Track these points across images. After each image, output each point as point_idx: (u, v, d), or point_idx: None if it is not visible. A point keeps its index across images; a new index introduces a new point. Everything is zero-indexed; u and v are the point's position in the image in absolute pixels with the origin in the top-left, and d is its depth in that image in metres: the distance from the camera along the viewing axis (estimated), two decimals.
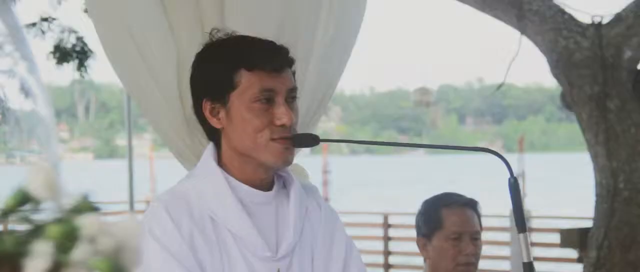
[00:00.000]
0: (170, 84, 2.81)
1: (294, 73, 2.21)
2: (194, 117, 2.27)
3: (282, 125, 2.12)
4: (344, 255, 2.29)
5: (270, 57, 2.15)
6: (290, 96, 2.16)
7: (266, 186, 2.21)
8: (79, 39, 10.05)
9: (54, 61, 9.89)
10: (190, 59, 2.28)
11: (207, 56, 2.21)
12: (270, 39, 2.23)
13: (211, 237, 2.12)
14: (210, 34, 2.23)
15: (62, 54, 9.91)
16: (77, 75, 10.16)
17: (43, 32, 9.93)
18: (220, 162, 2.20)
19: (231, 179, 2.17)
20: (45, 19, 9.95)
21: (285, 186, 2.27)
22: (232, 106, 2.14)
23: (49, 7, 10.05)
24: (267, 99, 2.13)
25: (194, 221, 2.12)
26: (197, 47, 2.27)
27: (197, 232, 2.11)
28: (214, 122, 2.17)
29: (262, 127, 2.12)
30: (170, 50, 2.80)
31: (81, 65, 10.01)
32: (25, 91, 1.01)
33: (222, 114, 2.16)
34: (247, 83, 2.13)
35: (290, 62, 2.19)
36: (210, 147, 2.22)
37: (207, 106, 2.17)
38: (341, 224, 2.36)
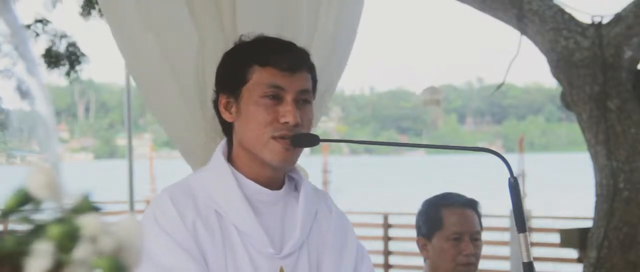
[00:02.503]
0: (190, 81, 2.81)
1: (314, 80, 2.23)
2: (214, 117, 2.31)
3: (286, 124, 2.13)
4: (355, 261, 2.30)
5: (283, 56, 2.18)
6: (302, 98, 2.18)
7: (275, 185, 2.23)
8: (71, 44, 10.06)
9: (45, 66, 9.89)
10: (212, 55, 2.32)
11: (230, 54, 2.26)
12: (287, 40, 2.26)
13: (215, 229, 2.14)
14: (241, 37, 2.28)
15: (53, 59, 9.93)
16: (67, 78, 10.19)
17: (37, 35, 9.95)
18: (230, 158, 2.23)
19: (239, 175, 2.20)
20: (39, 21, 9.96)
21: (296, 188, 2.28)
22: (242, 100, 2.18)
23: (44, 9, 10.06)
24: (276, 96, 2.15)
25: (198, 213, 2.14)
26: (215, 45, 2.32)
27: (200, 223, 2.13)
28: (226, 116, 2.21)
29: (265, 122, 2.14)
30: (192, 47, 2.80)
31: (71, 70, 10.03)
32: (23, 92, 1.00)
33: (234, 109, 2.20)
34: (258, 78, 2.16)
35: (307, 64, 2.22)
36: (222, 143, 2.26)
37: (222, 100, 2.22)
38: (352, 229, 2.37)
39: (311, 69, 2.23)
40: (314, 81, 2.24)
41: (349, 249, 2.31)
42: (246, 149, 2.18)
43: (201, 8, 2.81)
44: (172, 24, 2.80)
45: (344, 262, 2.28)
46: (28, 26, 9.88)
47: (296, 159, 2.21)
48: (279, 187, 2.23)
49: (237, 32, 2.73)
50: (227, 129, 2.24)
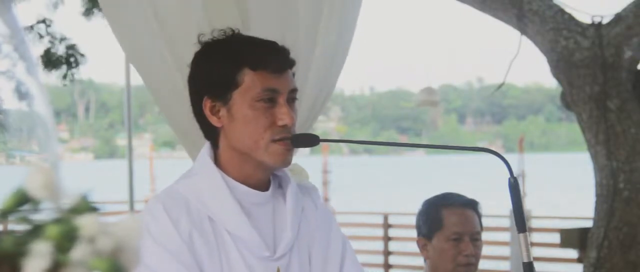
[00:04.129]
0: None
1: (293, 74, 2.22)
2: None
3: (284, 126, 2.13)
4: (341, 253, 2.30)
5: (274, 58, 2.15)
6: (291, 97, 2.17)
7: (263, 186, 2.21)
8: (70, 46, 10.05)
9: (41, 67, 9.88)
10: None
11: (209, 54, 2.20)
12: (270, 40, 2.23)
13: (210, 237, 2.12)
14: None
15: (50, 61, 9.92)
16: (64, 80, 10.18)
17: (41, 36, 9.95)
18: (217, 161, 2.19)
19: (229, 179, 2.17)
20: (42, 21, 9.96)
21: (281, 185, 2.27)
22: (234, 104, 2.14)
23: (46, 10, 10.05)
24: (270, 99, 2.13)
25: (193, 221, 2.12)
26: None
27: (196, 233, 2.11)
28: (213, 121, 2.17)
29: (264, 127, 2.12)
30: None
31: (68, 72, 10.02)
32: (22, 93, 1.00)
33: (222, 112, 2.16)
34: (251, 82, 2.13)
35: (291, 63, 2.20)
36: (206, 147, 2.22)
37: (207, 104, 2.17)
38: (336, 222, 2.37)
39: (293, 65, 2.21)
40: (294, 75, 2.23)
41: (334, 242, 2.31)
42: (240, 153, 2.16)
43: (216, 3, 2.80)
44: (181, 17, 2.79)
45: (331, 256, 2.28)
46: (31, 27, 9.88)
47: (292, 159, 2.21)
48: (267, 188, 2.22)
49: (248, 27, 2.71)
50: (211, 132, 2.20)
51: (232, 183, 2.17)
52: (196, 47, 2.64)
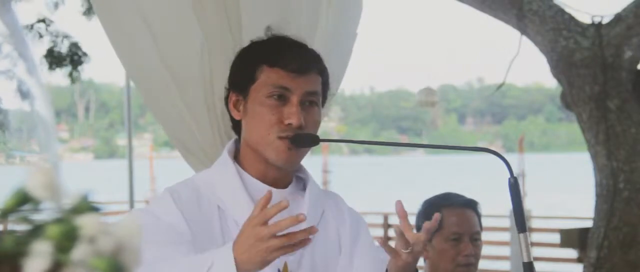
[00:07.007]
0: (192, 81, 2.81)
1: (325, 83, 2.24)
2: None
3: (290, 125, 2.15)
4: (373, 259, 2.29)
5: (292, 57, 2.19)
6: (308, 99, 2.19)
7: (281, 185, 2.24)
8: (73, 44, 10.04)
9: (46, 66, 9.88)
10: (219, 55, 2.33)
11: (241, 53, 2.30)
12: (298, 41, 2.27)
13: (215, 226, 2.16)
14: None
15: (54, 59, 9.92)
16: (70, 79, 10.17)
17: (40, 36, 9.94)
18: (238, 156, 2.25)
19: (245, 174, 2.22)
20: (42, 20, 9.95)
21: (304, 188, 2.30)
22: (249, 99, 2.20)
23: (46, 10, 10.05)
24: (282, 97, 2.17)
25: (201, 210, 2.16)
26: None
27: (202, 219, 2.15)
28: (234, 114, 2.25)
29: (271, 123, 2.16)
30: (195, 47, 2.79)
31: (74, 70, 10.02)
32: (24, 93, 1.01)
33: (242, 107, 2.23)
34: (266, 78, 2.18)
35: (318, 67, 2.23)
36: (230, 142, 2.29)
37: (232, 98, 2.25)
38: (368, 233, 2.38)
39: (322, 71, 2.24)
40: (325, 85, 2.25)
41: (363, 243, 2.32)
42: (252, 148, 2.21)
43: (206, 8, 2.81)
44: (173, 24, 2.80)
45: (359, 256, 2.29)
46: (31, 26, 9.87)
47: (300, 159, 2.23)
48: (286, 187, 2.25)
49: (242, 31, 2.74)
50: (236, 127, 2.28)
51: (248, 178, 2.22)
52: (189, 54, 2.68)
